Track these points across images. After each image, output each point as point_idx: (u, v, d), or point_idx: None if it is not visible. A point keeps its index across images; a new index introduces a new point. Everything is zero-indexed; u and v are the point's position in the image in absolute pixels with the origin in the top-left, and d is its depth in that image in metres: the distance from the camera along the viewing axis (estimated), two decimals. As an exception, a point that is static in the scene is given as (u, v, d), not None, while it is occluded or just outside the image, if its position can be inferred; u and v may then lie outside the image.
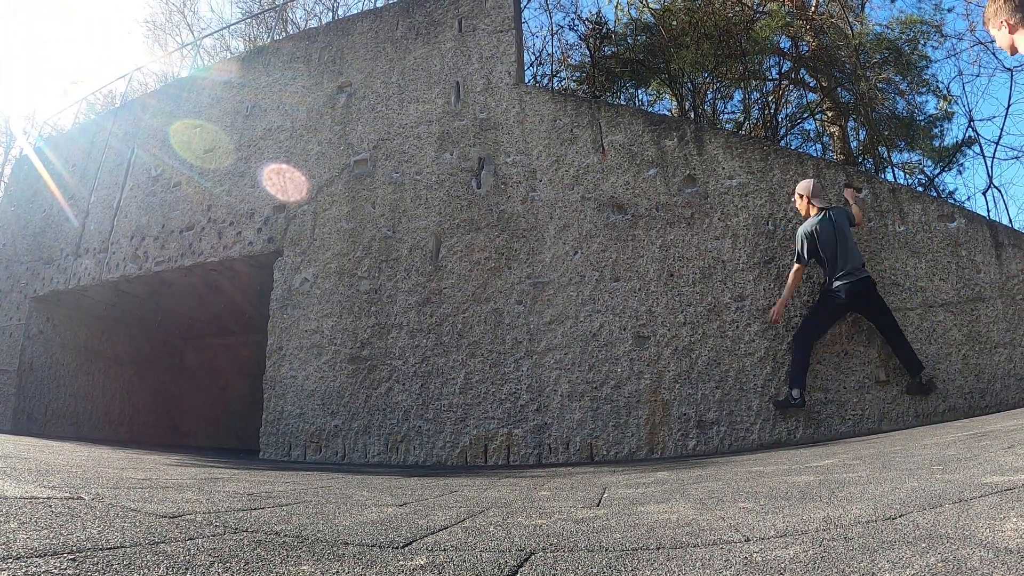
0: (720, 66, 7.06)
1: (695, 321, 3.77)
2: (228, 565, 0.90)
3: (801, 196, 3.69)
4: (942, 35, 7.22)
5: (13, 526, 1.03)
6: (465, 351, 4.09)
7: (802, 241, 3.58)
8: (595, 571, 0.89)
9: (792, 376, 3.51)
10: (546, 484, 2.35)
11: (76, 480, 1.88)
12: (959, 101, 7.15)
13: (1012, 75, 6.85)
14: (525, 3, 8.04)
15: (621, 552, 1.01)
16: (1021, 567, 0.69)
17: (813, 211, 3.63)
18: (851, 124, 7.75)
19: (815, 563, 0.83)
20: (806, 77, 7.94)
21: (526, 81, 5.06)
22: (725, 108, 8.32)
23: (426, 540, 1.16)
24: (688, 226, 3.96)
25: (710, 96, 8.04)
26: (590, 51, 7.89)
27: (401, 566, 0.94)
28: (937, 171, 7.71)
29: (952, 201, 6.81)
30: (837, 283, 3.48)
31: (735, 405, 3.58)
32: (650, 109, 7.96)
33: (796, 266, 3.61)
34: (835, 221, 3.54)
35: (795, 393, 3.46)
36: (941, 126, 7.46)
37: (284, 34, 9.87)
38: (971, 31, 7.06)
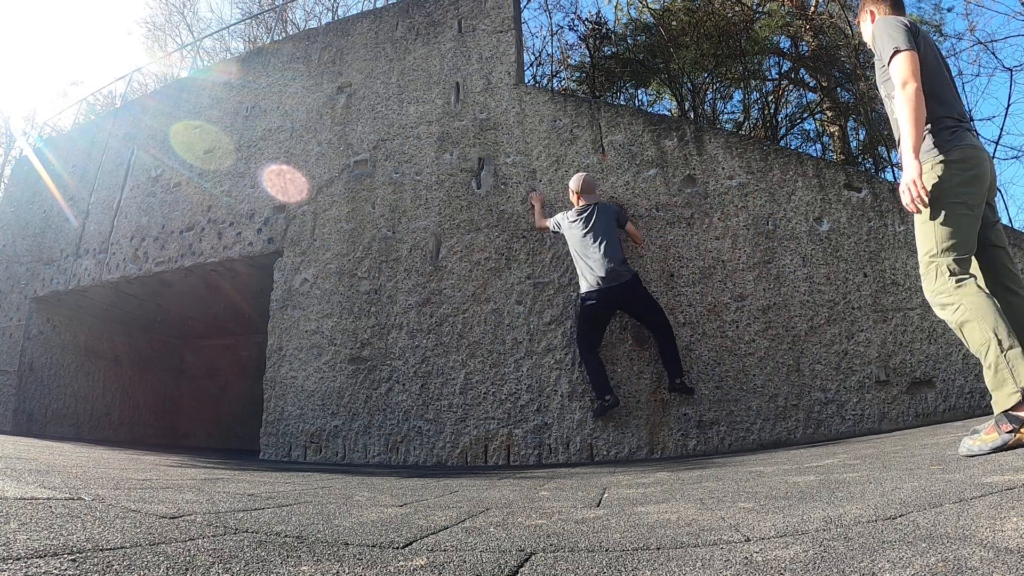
0: (720, 66, 7.07)
1: (695, 321, 3.77)
2: (228, 566, 0.90)
3: (573, 192, 3.84)
4: (942, 35, 7.23)
5: (13, 527, 1.03)
6: (465, 351, 4.09)
7: (556, 224, 3.87)
8: (595, 571, 0.89)
9: (595, 389, 3.62)
10: (546, 484, 2.35)
11: (76, 481, 1.88)
12: (959, 101, 7.16)
13: (1012, 75, 6.86)
14: (525, 3, 8.05)
15: (621, 552, 1.01)
16: (1021, 567, 0.68)
17: (579, 204, 3.80)
18: (851, 124, 7.75)
19: (815, 563, 0.83)
20: (806, 77, 7.94)
21: (526, 81, 5.06)
22: (725, 108, 8.33)
23: (426, 540, 1.16)
24: (688, 226, 3.96)
25: (710, 96, 8.04)
26: (590, 51, 7.90)
27: (401, 566, 0.94)
28: (937, 171, 7.70)
29: (952, 201, 6.79)
30: (590, 289, 3.60)
31: (735, 405, 3.58)
32: (650, 109, 7.97)
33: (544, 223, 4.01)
34: (596, 217, 3.68)
35: (607, 397, 3.56)
36: (941, 126, 7.45)
37: (284, 35, 9.87)
38: (971, 31, 7.06)
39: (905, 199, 1.86)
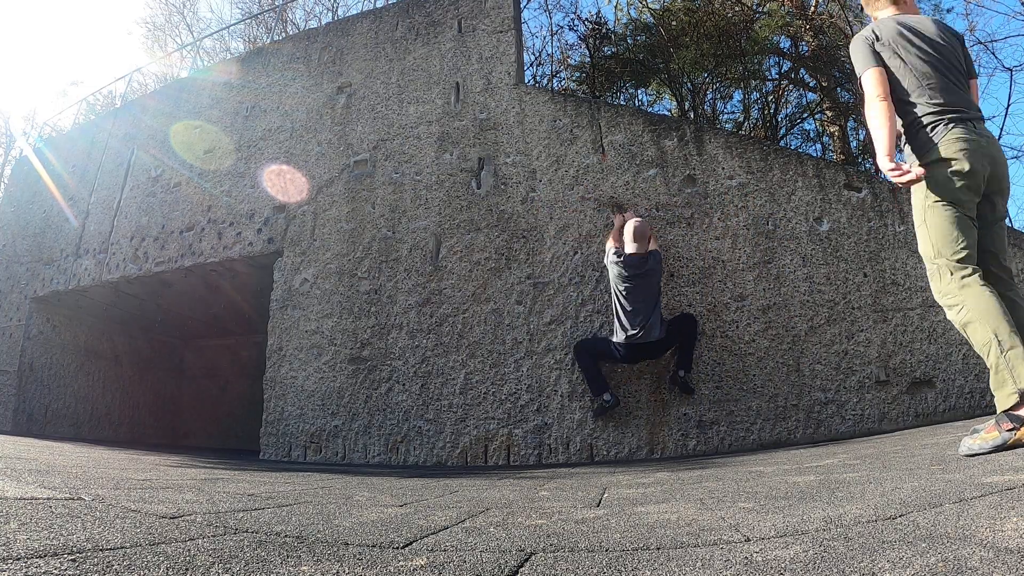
0: (720, 66, 7.07)
1: (695, 321, 3.77)
2: (228, 566, 0.90)
3: (626, 238, 3.61)
4: (942, 35, 7.21)
5: (13, 527, 1.03)
6: (465, 351, 4.09)
7: (606, 256, 3.69)
8: (595, 571, 0.89)
9: (592, 386, 3.63)
10: (546, 484, 2.35)
11: (76, 481, 1.88)
12: (959, 101, 7.16)
13: (1012, 75, 6.86)
14: (525, 3, 8.05)
15: (621, 552, 1.01)
16: (1021, 567, 0.68)
17: (629, 248, 3.59)
18: (851, 124, 7.75)
19: (815, 563, 0.83)
20: (806, 77, 7.94)
21: (526, 81, 5.06)
22: (725, 108, 8.34)
23: (426, 540, 1.17)
24: (688, 226, 3.96)
25: (710, 96, 8.05)
26: (590, 51, 7.91)
27: (401, 566, 0.94)
28: (937, 171, 7.70)
29: (952, 201, 6.78)
30: (621, 337, 3.52)
31: (735, 405, 3.58)
32: (650, 109, 7.97)
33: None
34: (645, 273, 3.52)
35: (606, 397, 3.56)
36: (941, 126, 7.44)
37: (284, 35, 9.87)
38: (971, 31, 7.06)
39: (897, 180, 1.91)
